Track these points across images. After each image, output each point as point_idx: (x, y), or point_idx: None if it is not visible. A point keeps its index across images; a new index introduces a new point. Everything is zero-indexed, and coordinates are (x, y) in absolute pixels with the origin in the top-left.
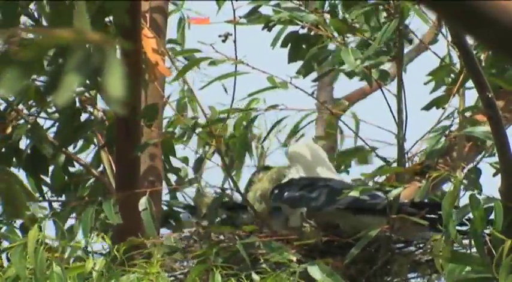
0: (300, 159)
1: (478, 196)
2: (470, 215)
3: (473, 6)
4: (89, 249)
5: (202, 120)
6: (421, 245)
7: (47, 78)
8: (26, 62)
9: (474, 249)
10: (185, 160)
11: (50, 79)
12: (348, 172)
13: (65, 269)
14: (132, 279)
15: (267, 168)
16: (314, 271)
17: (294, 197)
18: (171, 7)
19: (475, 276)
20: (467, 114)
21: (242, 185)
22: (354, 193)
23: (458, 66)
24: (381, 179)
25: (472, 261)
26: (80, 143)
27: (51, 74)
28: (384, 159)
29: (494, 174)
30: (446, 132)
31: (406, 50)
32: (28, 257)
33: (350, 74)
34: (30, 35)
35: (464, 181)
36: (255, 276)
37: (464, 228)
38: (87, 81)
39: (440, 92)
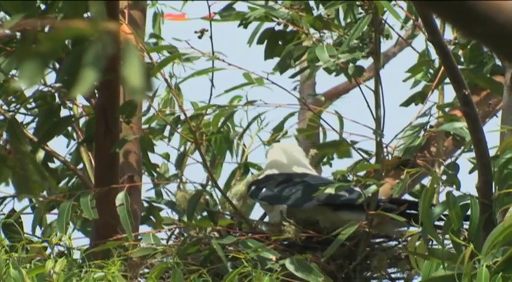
0: (274, 162)
1: (454, 194)
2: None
3: (469, 6)
4: (67, 246)
5: (183, 117)
6: (400, 240)
7: (65, 72)
8: (44, 53)
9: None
10: (166, 156)
11: (68, 73)
12: (330, 164)
13: (26, 269)
14: (89, 280)
15: (248, 165)
16: (292, 267)
17: (272, 194)
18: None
19: (450, 273)
20: (446, 109)
21: (223, 181)
22: (331, 189)
23: (437, 62)
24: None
25: (448, 258)
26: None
27: (69, 67)
28: (365, 152)
29: (471, 171)
30: (423, 130)
31: (388, 46)
32: None
33: (326, 70)
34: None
35: (443, 177)
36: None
37: (442, 223)
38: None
39: (419, 87)
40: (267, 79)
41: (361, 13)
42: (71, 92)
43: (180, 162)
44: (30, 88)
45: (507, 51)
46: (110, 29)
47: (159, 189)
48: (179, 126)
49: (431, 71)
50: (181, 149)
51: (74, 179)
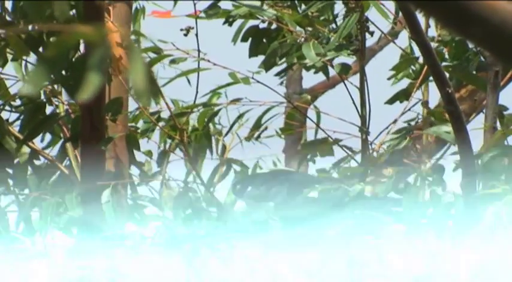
0: None
1: (439, 193)
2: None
3: (463, 6)
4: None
5: (165, 114)
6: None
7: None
8: (50, 58)
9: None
10: (149, 153)
11: (73, 76)
12: (314, 162)
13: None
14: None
15: (230, 161)
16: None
17: (258, 192)
18: None
19: None
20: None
21: (204, 178)
22: (314, 193)
23: (421, 59)
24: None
25: None
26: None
27: (73, 71)
28: (350, 149)
29: (454, 169)
30: (408, 133)
31: (374, 40)
32: None
33: (311, 68)
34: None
35: (429, 178)
36: None
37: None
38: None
39: (404, 84)
40: (253, 78)
41: (347, 13)
42: (75, 95)
43: (162, 160)
44: (35, 92)
45: (502, 52)
46: (102, 30)
47: (135, 187)
48: (163, 123)
49: (413, 68)
50: (162, 146)
51: (55, 176)
